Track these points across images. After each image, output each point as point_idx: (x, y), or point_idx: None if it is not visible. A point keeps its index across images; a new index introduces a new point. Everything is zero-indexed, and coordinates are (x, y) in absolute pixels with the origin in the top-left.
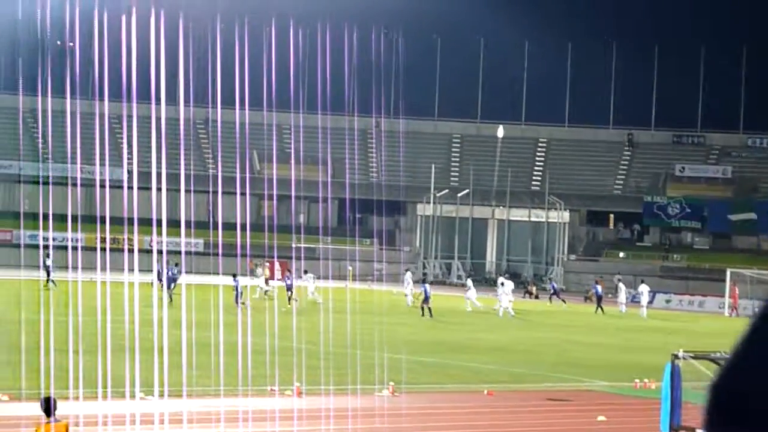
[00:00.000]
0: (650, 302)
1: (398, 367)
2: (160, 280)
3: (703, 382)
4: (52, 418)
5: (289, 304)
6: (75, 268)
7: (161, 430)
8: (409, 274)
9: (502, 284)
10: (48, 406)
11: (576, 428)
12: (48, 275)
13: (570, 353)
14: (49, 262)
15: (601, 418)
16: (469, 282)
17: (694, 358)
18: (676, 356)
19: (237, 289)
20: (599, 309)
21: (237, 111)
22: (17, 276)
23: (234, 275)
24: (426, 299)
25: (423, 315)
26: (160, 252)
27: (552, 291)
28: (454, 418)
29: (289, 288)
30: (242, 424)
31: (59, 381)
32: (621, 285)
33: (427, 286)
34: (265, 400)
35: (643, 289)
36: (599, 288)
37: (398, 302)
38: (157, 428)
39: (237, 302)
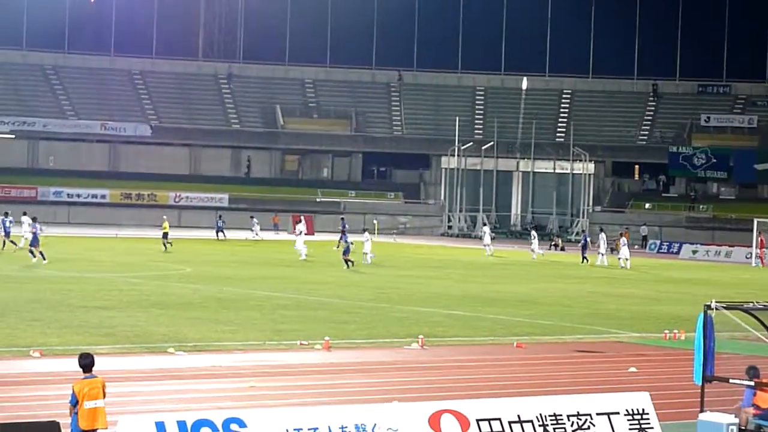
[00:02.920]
0: (675, 253)
1: (427, 320)
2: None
3: (735, 332)
4: (88, 375)
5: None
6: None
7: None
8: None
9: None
10: (86, 363)
11: (607, 379)
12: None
13: (598, 305)
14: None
15: (632, 369)
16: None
17: (726, 308)
18: (708, 306)
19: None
20: (584, 260)
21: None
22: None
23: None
24: (346, 251)
25: (348, 267)
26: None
27: (583, 244)
28: (484, 370)
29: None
30: (276, 378)
31: (92, 337)
32: (602, 235)
33: (348, 237)
34: (296, 354)
35: (603, 237)
36: (587, 238)
37: (424, 256)
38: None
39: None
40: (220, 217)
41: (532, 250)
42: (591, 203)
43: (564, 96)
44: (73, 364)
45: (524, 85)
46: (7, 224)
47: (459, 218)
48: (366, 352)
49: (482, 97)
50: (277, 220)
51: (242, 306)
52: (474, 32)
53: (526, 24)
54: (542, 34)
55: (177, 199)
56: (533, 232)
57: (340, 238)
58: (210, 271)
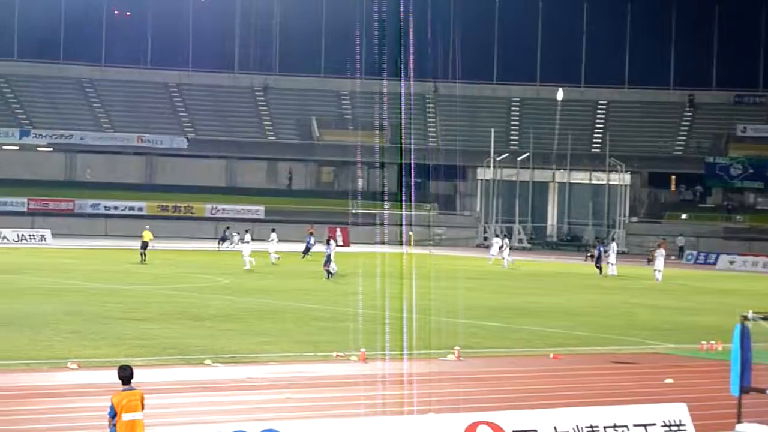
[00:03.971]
0: (712, 263)
1: (463, 331)
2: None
3: None
4: (127, 387)
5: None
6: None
7: (231, 395)
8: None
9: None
10: (125, 375)
11: (644, 391)
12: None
13: (634, 316)
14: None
15: (668, 380)
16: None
17: (763, 319)
18: (745, 317)
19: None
20: (600, 270)
21: (291, 78)
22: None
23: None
24: (327, 261)
25: (329, 278)
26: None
27: (597, 254)
28: (520, 382)
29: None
30: (311, 389)
31: (129, 349)
32: (613, 245)
33: (331, 247)
34: (331, 366)
35: (613, 246)
36: (602, 248)
37: (458, 267)
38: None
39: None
40: (227, 228)
41: (492, 255)
42: (627, 214)
43: (600, 107)
44: (110, 376)
45: (560, 95)
46: None
47: (495, 229)
48: (402, 364)
49: (518, 108)
50: (312, 230)
51: (278, 318)
52: (509, 43)
53: (561, 35)
54: (577, 44)
55: (213, 211)
56: (495, 239)
57: (306, 250)
58: (246, 283)
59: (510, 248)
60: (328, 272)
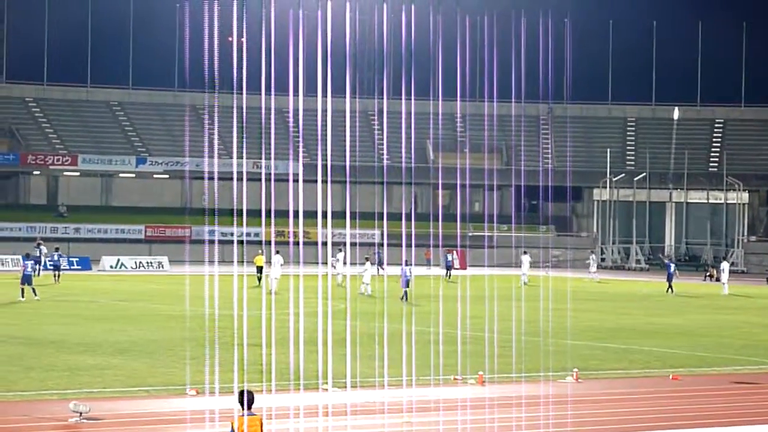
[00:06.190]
0: None
1: (581, 353)
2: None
3: None
4: (247, 412)
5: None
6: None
7: (353, 420)
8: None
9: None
10: (244, 399)
11: (764, 411)
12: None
13: (755, 336)
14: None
15: None
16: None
17: None
18: None
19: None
20: (670, 289)
21: (403, 101)
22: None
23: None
24: (405, 282)
25: (403, 299)
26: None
27: (668, 272)
28: (640, 403)
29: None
30: (430, 413)
31: (246, 374)
32: (725, 264)
33: (407, 269)
34: (449, 389)
35: (725, 266)
36: (671, 265)
37: (575, 288)
38: (349, 419)
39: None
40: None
41: (524, 274)
42: (746, 233)
43: (716, 125)
44: (229, 402)
45: (676, 115)
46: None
47: (612, 250)
48: (520, 387)
49: (633, 128)
50: (429, 255)
51: (393, 341)
52: (624, 63)
53: (676, 53)
54: (693, 63)
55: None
56: (523, 257)
57: (448, 269)
58: (363, 307)
59: (530, 264)
60: (407, 294)
